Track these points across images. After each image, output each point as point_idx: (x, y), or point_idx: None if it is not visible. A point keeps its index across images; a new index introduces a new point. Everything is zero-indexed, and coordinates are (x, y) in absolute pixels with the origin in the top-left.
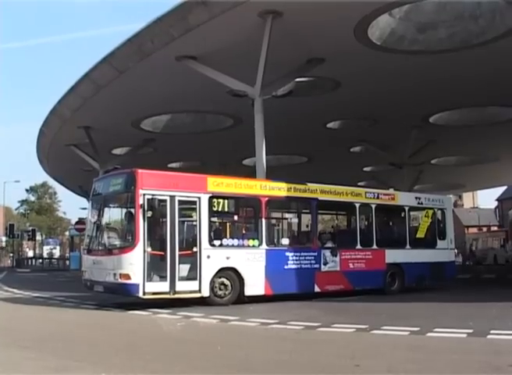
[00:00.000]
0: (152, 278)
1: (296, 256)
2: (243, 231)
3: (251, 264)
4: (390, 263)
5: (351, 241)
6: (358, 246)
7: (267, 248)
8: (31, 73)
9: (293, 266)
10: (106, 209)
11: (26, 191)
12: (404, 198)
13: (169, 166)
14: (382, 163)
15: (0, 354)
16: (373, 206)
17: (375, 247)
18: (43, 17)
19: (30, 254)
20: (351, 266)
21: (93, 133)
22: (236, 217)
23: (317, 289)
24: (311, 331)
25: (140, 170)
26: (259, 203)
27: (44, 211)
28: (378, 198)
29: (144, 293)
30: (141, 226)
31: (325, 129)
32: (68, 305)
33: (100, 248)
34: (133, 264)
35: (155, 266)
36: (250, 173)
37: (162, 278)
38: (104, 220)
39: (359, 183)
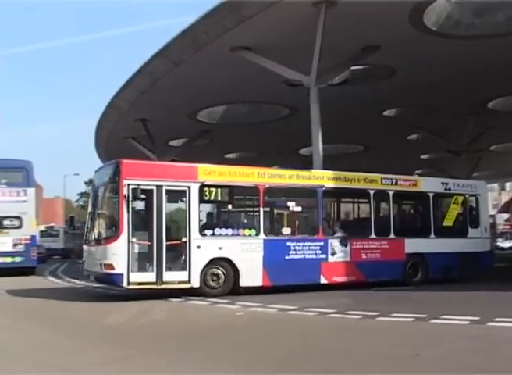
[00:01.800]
0: (137, 268)
1: (299, 246)
2: (239, 221)
3: (247, 254)
4: (411, 253)
5: (364, 230)
6: (372, 235)
7: (265, 237)
8: (88, 68)
9: (296, 257)
10: (98, 200)
11: (85, 183)
12: (428, 184)
13: (226, 156)
14: (440, 151)
15: (65, 342)
16: (390, 193)
17: (392, 236)
18: (94, 12)
19: None
20: (364, 256)
21: (150, 126)
22: (230, 206)
23: (323, 280)
24: (370, 320)
25: (125, 161)
26: (257, 192)
27: None
28: (396, 184)
29: (129, 283)
30: (125, 217)
31: (381, 117)
32: (128, 296)
33: (92, 238)
34: (117, 254)
35: (141, 256)
36: (307, 162)
37: (148, 268)
38: (96, 211)
39: (416, 172)
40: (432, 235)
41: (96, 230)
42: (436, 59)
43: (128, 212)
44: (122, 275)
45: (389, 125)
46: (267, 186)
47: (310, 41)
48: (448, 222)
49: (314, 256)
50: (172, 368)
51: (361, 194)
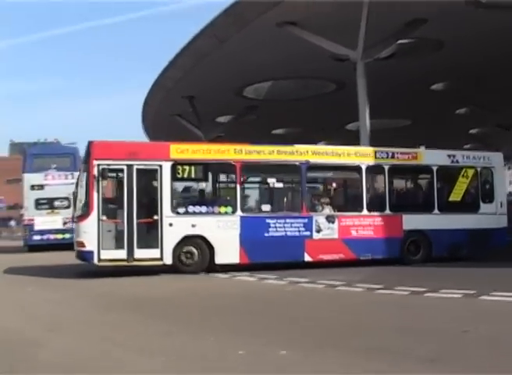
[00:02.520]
0: (108, 245)
1: (280, 223)
2: (214, 198)
3: (223, 232)
4: (410, 230)
5: (355, 206)
6: (364, 211)
7: (242, 214)
8: (135, 46)
9: (276, 234)
10: (79, 180)
11: None
12: (431, 157)
13: (273, 132)
14: (489, 125)
15: (111, 316)
16: (386, 167)
17: (387, 212)
18: None
19: None
20: (354, 233)
21: (196, 103)
22: (204, 184)
23: (308, 258)
24: (418, 296)
25: (95, 141)
26: (233, 168)
27: None
28: (393, 157)
29: (100, 260)
30: (95, 196)
31: (429, 91)
32: (170, 271)
33: (74, 216)
34: (87, 232)
35: (112, 234)
36: (354, 137)
37: (119, 246)
38: (76, 191)
39: (465, 147)
40: (436, 211)
41: (76, 209)
42: (485, 31)
43: (98, 191)
44: (92, 252)
45: (436, 99)
46: (244, 162)
47: (356, 15)
48: (455, 197)
49: (296, 234)
50: (220, 343)
51: (352, 168)
